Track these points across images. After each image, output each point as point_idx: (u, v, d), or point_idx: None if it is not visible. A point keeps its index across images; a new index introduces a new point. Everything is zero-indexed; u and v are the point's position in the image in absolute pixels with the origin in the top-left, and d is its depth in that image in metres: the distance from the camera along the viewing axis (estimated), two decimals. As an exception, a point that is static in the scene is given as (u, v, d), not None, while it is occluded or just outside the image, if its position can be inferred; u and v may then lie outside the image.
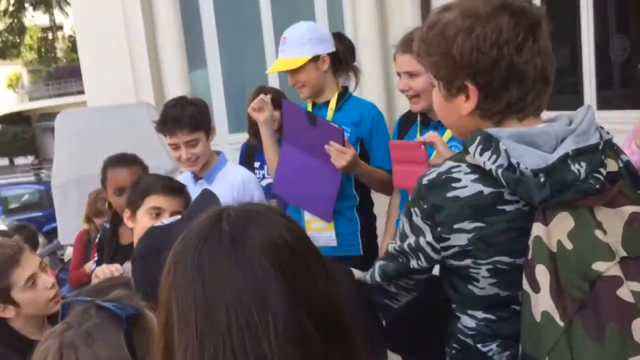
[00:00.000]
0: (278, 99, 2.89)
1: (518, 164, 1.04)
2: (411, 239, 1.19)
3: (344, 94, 2.44)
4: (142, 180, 2.01)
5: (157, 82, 5.34)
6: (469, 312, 1.22)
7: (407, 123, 2.26)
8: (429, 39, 1.18)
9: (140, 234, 1.79)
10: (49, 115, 30.32)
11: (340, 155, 2.10)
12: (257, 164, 3.36)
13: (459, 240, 1.11)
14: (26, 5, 37.05)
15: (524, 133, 1.08)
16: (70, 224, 4.42)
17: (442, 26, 1.14)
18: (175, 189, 1.97)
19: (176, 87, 5.37)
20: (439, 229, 1.12)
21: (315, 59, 2.34)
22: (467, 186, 1.10)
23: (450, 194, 1.10)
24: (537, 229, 1.04)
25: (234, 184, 2.41)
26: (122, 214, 2.19)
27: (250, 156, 3.44)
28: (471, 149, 1.09)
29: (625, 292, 0.97)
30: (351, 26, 6.17)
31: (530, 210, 1.07)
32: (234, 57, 5.92)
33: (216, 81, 5.78)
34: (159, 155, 4.11)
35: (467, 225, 1.10)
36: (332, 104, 2.41)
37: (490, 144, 1.06)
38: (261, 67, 5.88)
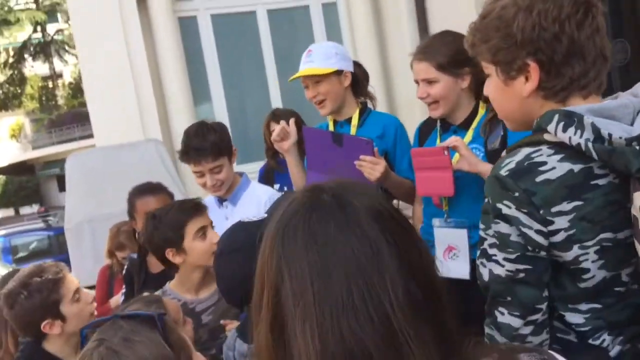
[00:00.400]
0: (295, 121, 2.92)
1: (610, 135, 1.04)
2: (515, 244, 1.12)
3: (364, 110, 2.46)
4: (164, 218, 2.04)
5: (163, 117, 5.38)
6: (571, 306, 1.17)
7: (426, 130, 2.27)
8: (485, 25, 1.19)
9: (203, 257, 1.97)
10: (53, 163, 30.52)
11: (373, 167, 2.07)
12: (276, 186, 3.36)
13: (561, 223, 1.08)
14: (25, 56, 37.63)
15: (602, 107, 1.08)
16: (84, 265, 4.41)
17: (500, 9, 1.16)
18: (200, 206, 2.07)
19: (183, 122, 5.39)
20: (541, 211, 1.09)
21: (339, 73, 2.37)
22: (556, 167, 1.08)
23: (539, 179, 1.08)
24: (639, 197, 1.02)
25: (260, 203, 2.40)
26: None
27: (269, 179, 3.46)
28: (551, 128, 1.08)
29: None
30: (351, 53, 6.23)
31: (621, 182, 1.06)
32: (238, 89, 5.98)
33: (221, 114, 5.81)
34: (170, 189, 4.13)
35: (566, 206, 1.08)
36: (355, 120, 2.42)
37: (572, 119, 1.06)
38: (264, 98, 5.95)
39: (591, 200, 1.08)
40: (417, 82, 2.09)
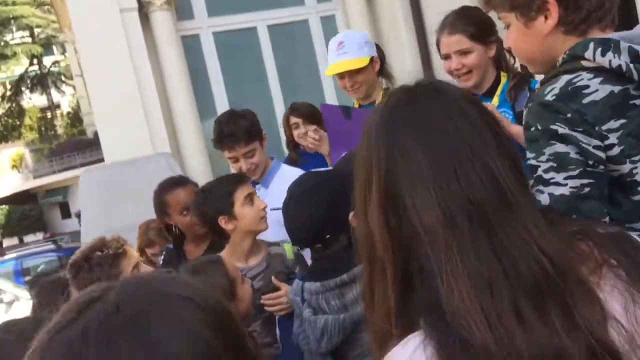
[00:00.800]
0: (313, 113, 3.17)
1: None
2: (575, 161, 1.15)
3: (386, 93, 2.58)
4: (213, 189, 2.22)
5: (171, 134, 5.48)
6: (627, 226, 1.19)
7: None
8: None
9: (253, 222, 2.15)
10: (55, 191, 30.61)
11: None
12: None
13: (613, 139, 1.16)
14: (23, 88, 37.91)
15: (630, 35, 1.16)
16: (102, 280, 4.47)
17: None
18: (242, 177, 2.27)
19: (191, 137, 5.51)
20: (596, 128, 1.15)
21: (371, 60, 2.50)
22: (598, 89, 1.14)
23: (586, 100, 1.15)
24: None
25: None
26: (188, 232, 2.48)
27: None
28: (588, 54, 1.15)
29: None
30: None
31: None
32: (242, 104, 6.07)
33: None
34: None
35: (614, 124, 1.14)
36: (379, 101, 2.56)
37: (609, 45, 1.14)
38: (269, 112, 6.06)
39: (632, 118, 1.16)
40: (447, 56, 2.16)
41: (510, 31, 1.32)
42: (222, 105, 5.91)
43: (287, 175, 2.56)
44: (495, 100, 2.13)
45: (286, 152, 3.97)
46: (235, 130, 2.46)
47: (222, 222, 2.15)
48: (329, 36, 6.27)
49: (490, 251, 0.76)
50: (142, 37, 5.32)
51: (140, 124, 5.21)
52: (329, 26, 6.41)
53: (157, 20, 5.47)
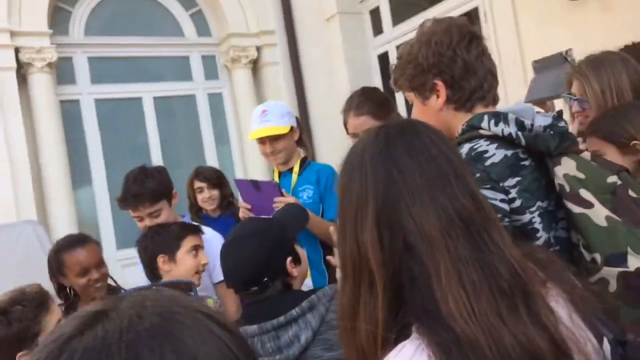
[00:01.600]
0: (218, 178, 3.32)
1: (532, 124, 1.34)
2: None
3: (304, 161, 2.75)
4: (167, 227, 2.24)
5: (40, 201, 5.17)
6: None
7: None
8: (400, 63, 1.53)
9: (188, 273, 2.16)
10: None
11: (286, 202, 2.33)
12: None
13: (513, 194, 1.31)
14: None
15: (513, 109, 1.37)
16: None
17: (409, 48, 1.50)
18: (198, 228, 2.29)
19: (60, 205, 5.22)
20: (500, 184, 1.31)
21: (291, 129, 2.65)
22: (495, 153, 1.33)
23: (487, 162, 1.32)
24: (560, 170, 1.31)
25: (207, 243, 2.49)
26: (84, 293, 2.38)
27: None
28: (484, 125, 1.36)
29: (630, 192, 1.32)
30: (236, 137, 6.45)
31: (535, 163, 1.34)
32: (120, 174, 5.92)
33: (102, 198, 5.70)
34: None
35: (511, 181, 1.31)
36: (296, 169, 2.71)
37: (499, 117, 1.35)
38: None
39: (525, 176, 1.33)
40: (355, 135, 2.35)
41: (414, 108, 1.55)
42: (98, 174, 5.72)
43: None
44: None
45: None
46: (141, 190, 2.44)
47: (161, 260, 2.16)
48: (215, 112, 6.45)
49: (475, 259, 0.89)
50: (17, 97, 5.09)
51: (6, 187, 4.88)
52: (216, 102, 6.51)
53: (35, 82, 5.28)
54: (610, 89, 1.87)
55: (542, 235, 1.32)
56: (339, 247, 1.02)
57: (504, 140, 1.34)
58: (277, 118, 2.64)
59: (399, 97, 5.59)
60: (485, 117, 1.37)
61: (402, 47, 1.54)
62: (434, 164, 0.96)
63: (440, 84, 1.45)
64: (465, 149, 1.36)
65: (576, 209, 1.28)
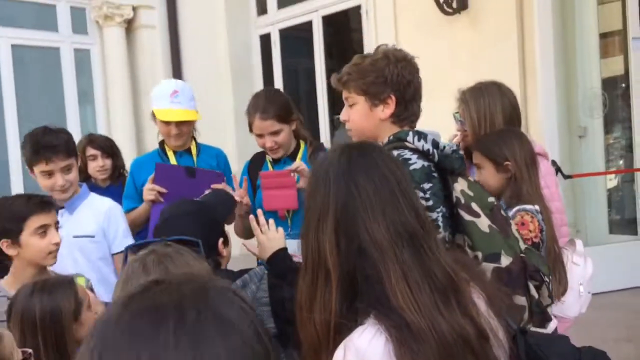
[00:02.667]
0: (111, 147, 3.28)
1: (444, 146, 1.63)
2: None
3: (196, 142, 2.79)
4: (6, 206, 1.99)
5: None
6: None
7: (256, 163, 2.67)
8: (360, 68, 1.73)
9: (38, 255, 1.96)
10: None
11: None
12: None
13: (427, 196, 1.57)
14: None
15: (430, 132, 1.66)
16: None
17: (372, 60, 1.72)
18: (48, 202, 2.03)
19: None
20: (421, 185, 1.58)
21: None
22: (417, 162, 1.60)
23: (411, 168, 1.59)
24: (457, 186, 1.62)
25: (99, 213, 2.41)
26: None
27: None
28: (409, 139, 1.63)
29: (502, 212, 1.68)
30: (102, 92, 6.14)
31: (441, 178, 1.62)
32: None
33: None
34: None
35: (427, 185, 1.59)
36: (194, 150, 2.75)
37: (421, 135, 1.63)
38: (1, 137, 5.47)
39: (435, 184, 1.60)
40: (261, 135, 2.48)
41: (353, 109, 1.77)
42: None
43: (95, 203, 2.46)
44: (297, 161, 2.51)
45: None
46: (55, 141, 2.29)
47: (4, 245, 1.96)
48: (80, 69, 6.06)
49: (418, 263, 1.10)
50: None
51: None
52: (82, 59, 6.13)
53: None
54: (485, 118, 2.16)
55: (442, 233, 1.60)
56: (302, 247, 1.20)
57: (422, 153, 1.61)
58: (188, 100, 2.66)
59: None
60: (410, 133, 1.65)
61: (358, 58, 1.78)
62: (386, 183, 1.16)
63: (392, 99, 1.70)
64: (394, 154, 1.59)
65: (467, 217, 1.60)
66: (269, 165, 2.61)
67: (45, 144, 2.30)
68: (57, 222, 2.06)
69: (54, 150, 2.29)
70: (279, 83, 6.11)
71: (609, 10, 4.65)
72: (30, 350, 1.42)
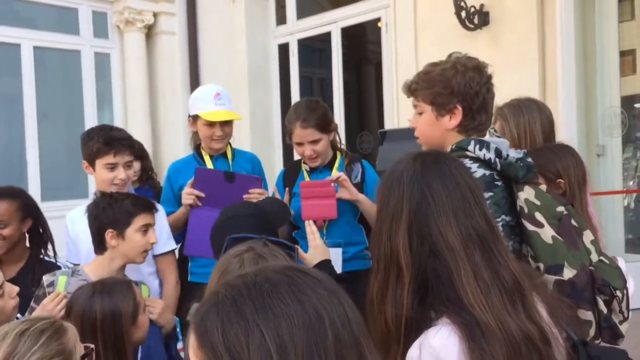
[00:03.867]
0: (141, 149, 3.37)
1: (507, 155, 1.62)
2: None
3: (231, 146, 2.80)
4: (120, 201, 2.15)
5: None
6: None
7: (291, 172, 2.72)
8: (429, 78, 1.73)
9: (135, 250, 2.14)
10: None
11: (259, 198, 2.43)
12: None
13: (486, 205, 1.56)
14: None
15: (494, 141, 1.64)
16: None
17: (441, 70, 1.71)
18: (152, 205, 2.23)
19: None
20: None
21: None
22: (477, 171, 1.60)
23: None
24: (522, 195, 1.61)
25: None
26: None
27: None
28: (470, 148, 1.64)
29: (573, 222, 1.65)
30: (120, 96, 6.18)
31: (506, 186, 1.63)
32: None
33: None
34: None
35: (486, 194, 1.55)
36: (229, 155, 2.76)
37: (483, 144, 1.63)
38: (19, 133, 5.52)
39: (497, 193, 1.61)
40: (300, 144, 2.52)
41: (421, 118, 1.77)
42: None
43: None
44: (335, 172, 2.56)
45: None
46: (125, 136, 2.42)
47: (109, 235, 2.12)
48: (100, 73, 6.11)
49: (487, 265, 1.17)
50: None
51: None
52: (102, 63, 6.18)
53: None
54: (525, 134, 2.17)
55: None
56: (375, 246, 1.27)
57: (484, 163, 1.62)
58: (229, 102, 2.71)
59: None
60: (472, 142, 1.65)
61: (429, 66, 1.78)
62: (459, 190, 1.23)
63: (459, 110, 1.70)
64: None
65: (530, 227, 1.59)
66: (305, 174, 2.63)
67: (116, 136, 2.39)
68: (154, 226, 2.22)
69: (124, 144, 2.39)
70: (295, 92, 6.14)
71: (629, 28, 4.64)
72: (92, 346, 1.47)
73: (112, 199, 2.16)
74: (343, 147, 2.75)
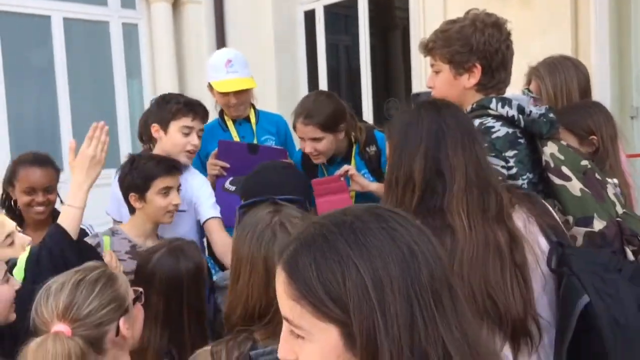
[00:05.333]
0: None
1: (531, 111, 1.62)
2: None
3: (255, 109, 2.75)
4: (139, 165, 2.21)
5: None
6: None
7: (307, 166, 2.59)
8: (446, 36, 1.71)
9: (157, 212, 2.20)
10: None
11: None
12: None
13: (511, 163, 1.60)
14: None
15: (516, 97, 1.63)
16: None
17: (459, 28, 1.70)
18: (175, 167, 2.26)
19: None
20: (503, 154, 1.61)
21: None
22: (500, 129, 1.61)
23: (493, 136, 1.61)
24: (547, 150, 1.62)
25: (191, 186, 2.45)
26: (27, 214, 2.42)
27: None
28: (493, 106, 1.64)
29: (597, 175, 1.64)
30: (149, 66, 6.23)
31: (527, 142, 1.64)
32: (23, 95, 5.57)
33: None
34: None
35: (510, 152, 1.60)
36: (253, 119, 2.71)
37: (505, 101, 1.63)
38: (52, 104, 5.63)
39: (521, 150, 1.61)
40: (303, 139, 2.44)
41: (439, 77, 1.76)
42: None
43: (191, 180, 2.46)
44: (353, 163, 2.48)
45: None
46: (203, 105, 2.42)
47: (132, 199, 2.21)
48: (128, 43, 6.16)
49: (477, 184, 1.34)
50: None
51: None
52: (130, 33, 6.22)
53: None
54: (562, 93, 2.14)
55: None
56: (394, 170, 1.43)
57: (507, 120, 1.61)
58: (243, 68, 2.62)
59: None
60: (494, 100, 1.64)
61: (446, 23, 1.75)
62: (466, 129, 1.38)
63: (478, 68, 1.68)
64: (475, 122, 1.59)
65: (557, 180, 1.60)
66: (323, 168, 2.56)
67: (194, 101, 2.39)
68: (180, 186, 2.27)
69: (202, 110, 2.39)
70: (322, 59, 6.10)
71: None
72: (140, 289, 1.53)
73: (134, 164, 2.22)
74: (361, 125, 2.61)
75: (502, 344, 1.25)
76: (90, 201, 1.95)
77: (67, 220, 1.85)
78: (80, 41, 5.97)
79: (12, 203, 2.47)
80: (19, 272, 1.84)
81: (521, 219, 1.36)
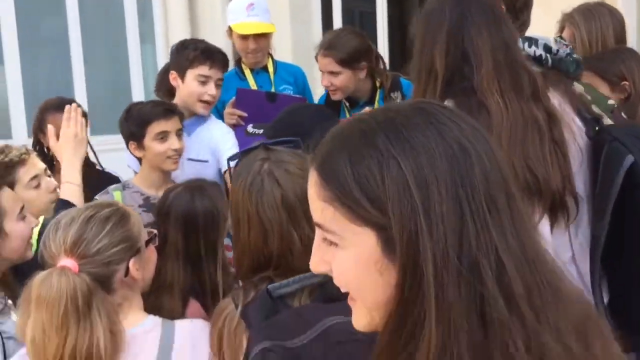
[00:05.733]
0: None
1: (558, 50, 1.64)
2: None
3: (272, 59, 2.70)
4: (134, 112, 2.13)
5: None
6: None
7: (330, 109, 2.53)
8: None
9: (157, 159, 2.12)
10: None
11: None
12: None
13: None
14: None
15: (542, 37, 1.65)
16: None
17: None
18: (170, 110, 2.14)
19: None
20: None
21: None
22: None
23: None
24: (575, 89, 1.63)
25: (212, 137, 2.39)
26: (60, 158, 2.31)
27: None
28: (519, 45, 1.61)
29: (623, 114, 1.73)
30: (162, 33, 6.21)
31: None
32: (36, 59, 5.58)
33: (15, 80, 5.38)
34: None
35: None
36: (271, 68, 2.65)
37: (531, 41, 1.64)
38: (66, 71, 5.64)
39: None
40: (321, 71, 2.41)
41: None
42: (11, 57, 5.34)
43: (212, 126, 2.40)
44: (377, 105, 2.43)
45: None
46: (221, 51, 2.35)
47: (132, 147, 2.13)
48: (142, 9, 6.10)
49: (509, 65, 1.40)
50: None
51: None
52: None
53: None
54: (597, 40, 2.06)
55: None
56: (416, 63, 1.49)
57: (533, 60, 1.61)
58: (264, 13, 2.58)
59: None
60: (520, 40, 1.61)
61: None
62: (492, 13, 1.42)
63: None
64: None
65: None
66: (346, 111, 2.53)
67: (214, 49, 2.31)
68: (181, 130, 2.15)
69: (220, 58, 2.30)
70: (338, 26, 6.01)
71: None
72: (154, 231, 1.50)
73: (129, 112, 2.14)
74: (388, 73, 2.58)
75: (540, 216, 1.30)
76: (115, 164, 1.92)
77: (72, 196, 1.85)
78: (93, 10, 5.92)
79: (45, 149, 2.45)
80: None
81: (556, 99, 1.42)
